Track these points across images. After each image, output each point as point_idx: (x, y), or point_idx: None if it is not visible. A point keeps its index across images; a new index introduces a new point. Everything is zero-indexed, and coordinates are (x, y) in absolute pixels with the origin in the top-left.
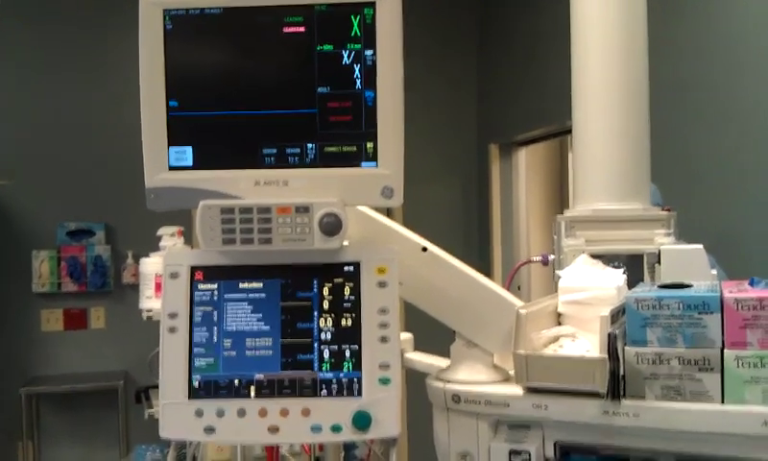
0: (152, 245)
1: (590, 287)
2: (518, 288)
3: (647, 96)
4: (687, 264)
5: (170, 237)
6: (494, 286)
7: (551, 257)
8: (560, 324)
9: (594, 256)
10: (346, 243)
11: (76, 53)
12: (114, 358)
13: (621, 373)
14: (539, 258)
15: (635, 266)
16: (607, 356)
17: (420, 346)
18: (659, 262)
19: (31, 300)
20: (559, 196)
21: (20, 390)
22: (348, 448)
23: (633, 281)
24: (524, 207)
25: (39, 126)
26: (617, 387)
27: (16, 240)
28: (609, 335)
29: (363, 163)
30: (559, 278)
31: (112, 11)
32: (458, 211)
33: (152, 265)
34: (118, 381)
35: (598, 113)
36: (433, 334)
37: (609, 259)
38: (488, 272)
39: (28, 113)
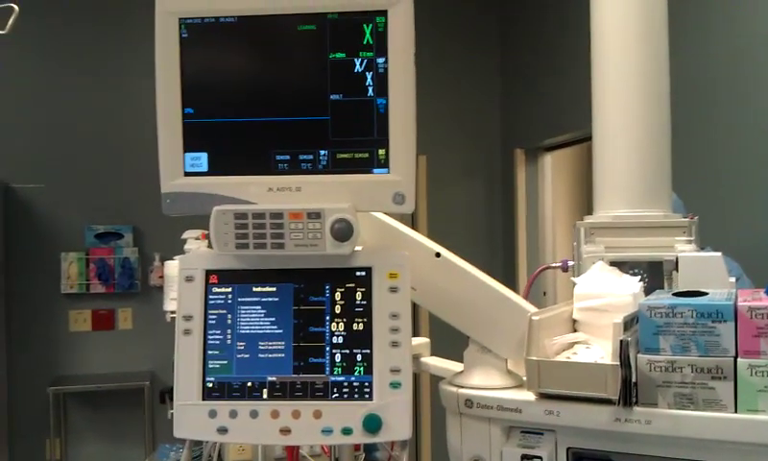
0: (178, 248)
1: (606, 294)
2: (544, 294)
3: (668, 101)
4: (705, 272)
5: (194, 241)
6: (508, 292)
7: (570, 263)
8: (575, 330)
9: (614, 264)
10: (358, 248)
11: (106, 55)
12: (141, 359)
13: (633, 380)
14: (558, 264)
15: (655, 273)
16: (619, 363)
17: (442, 351)
18: (676, 269)
19: (59, 300)
20: (585, 202)
21: (48, 389)
22: (370, 450)
23: (654, 289)
24: (550, 213)
25: (69, 129)
26: (629, 394)
27: (46, 242)
28: (621, 342)
29: (375, 170)
30: (575, 284)
31: (144, 8)
32: (483, 217)
33: (176, 268)
34: (144, 381)
35: (618, 119)
36: (455, 339)
37: (630, 266)
38: (513, 277)
39: (58, 117)
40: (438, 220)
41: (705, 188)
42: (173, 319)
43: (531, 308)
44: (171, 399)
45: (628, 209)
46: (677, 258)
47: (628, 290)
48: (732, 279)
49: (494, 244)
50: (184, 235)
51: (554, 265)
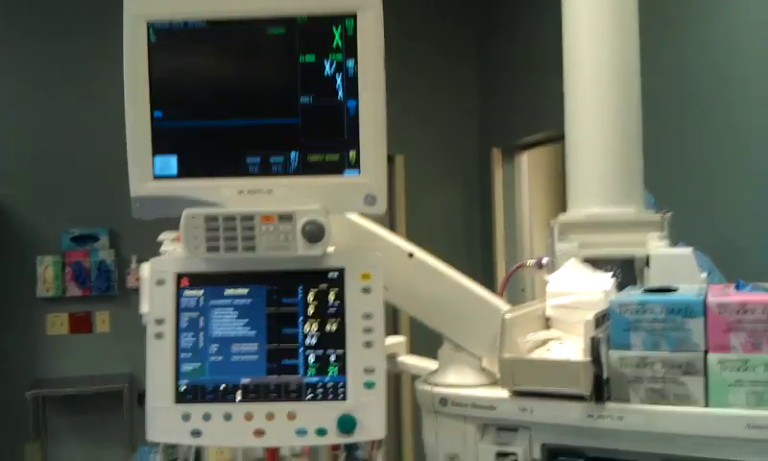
0: (155, 250)
1: (577, 291)
2: (522, 290)
3: (639, 99)
4: (676, 268)
5: (171, 243)
6: (481, 290)
7: (545, 261)
8: (548, 328)
9: (588, 261)
10: (331, 249)
11: (77, 58)
12: (119, 361)
13: (605, 376)
14: (533, 262)
15: (629, 270)
16: (590, 360)
17: (423, 350)
18: (648, 266)
19: (36, 304)
20: (561, 200)
21: (26, 393)
22: (350, 449)
23: (627, 286)
24: (527, 211)
25: (41, 132)
26: (601, 390)
27: (21, 246)
28: (591, 339)
29: (346, 171)
30: (548, 281)
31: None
32: (460, 216)
33: None
34: (123, 384)
35: (590, 117)
36: (435, 338)
37: (604, 263)
38: (491, 276)
39: (30, 120)
40: (416, 220)
41: (676, 184)
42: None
43: (504, 306)
44: None
45: (601, 207)
46: (648, 255)
47: (599, 287)
48: (704, 275)
49: (473, 242)
50: (160, 237)
51: (529, 263)
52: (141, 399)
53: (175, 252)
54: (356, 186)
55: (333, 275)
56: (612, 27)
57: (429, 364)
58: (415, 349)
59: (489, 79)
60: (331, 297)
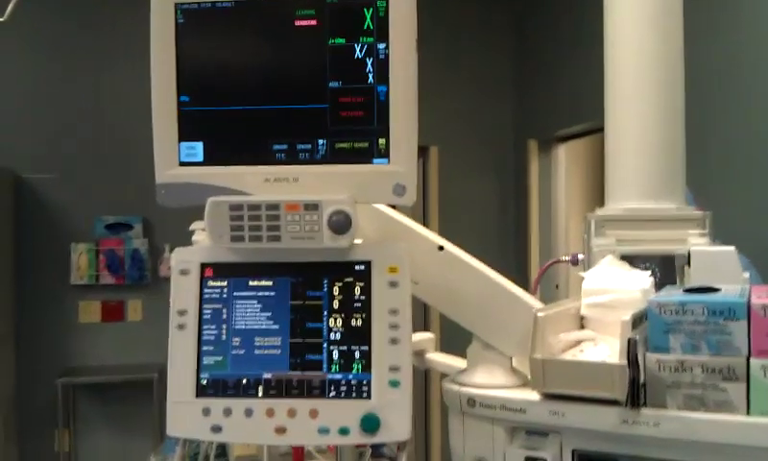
0: (187, 239)
1: (614, 289)
2: (556, 287)
3: (682, 91)
4: (718, 267)
5: (202, 232)
6: (513, 287)
7: (580, 257)
8: (583, 327)
9: (625, 258)
10: (358, 241)
11: (114, 45)
12: (150, 350)
13: (641, 380)
14: (568, 258)
15: (668, 268)
16: (626, 363)
17: (453, 347)
18: (688, 264)
19: (69, 292)
20: (599, 194)
21: (57, 380)
22: (377, 445)
23: (666, 284)
24: (563, 205)
25: (78, 118)
26: (637, 395)
27: (55, 233)
28: (629, 341)
29: (374, 160)
30: (583, 278)
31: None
32: (495, 209)
33: None
34: (153, 374)
35: (631, 109)
36: (466, 335)
37: (642, 260)
38: (525, 271)
39: (68, 108)
40: (449, 213)
41: (715, 180)
42: None
43: (536, 304)
44: None
45: (640, 202)
46: (689, 253)
47: (637, 285)
48: (746, 275)
49: (507, 237)
50: (192, 226)
51: (564, 259)
52: None
53: (204, 241)
54: (385, 175)
55: (360, 268)
56: (655, 14)
57: (458, 362)
58: (446, 346)
59: (525, 69)
60: (357, 291)
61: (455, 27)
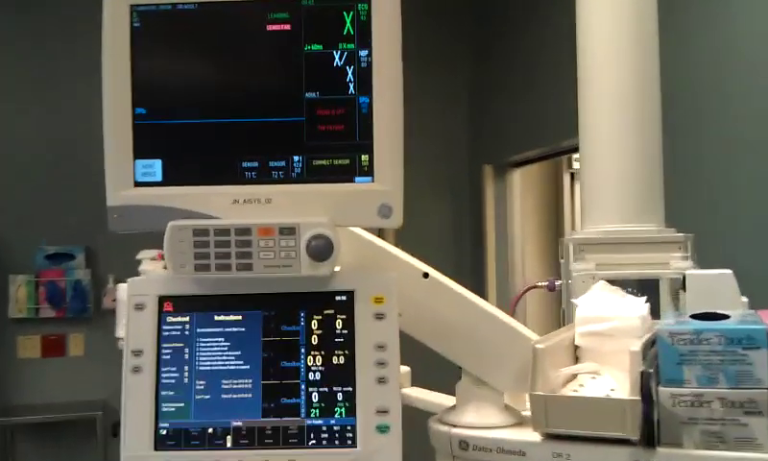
0: (133, 269)
1: (610, 317)
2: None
3: (659, 110)
4: (716, 291)
5: (150, 261)
6: (505, 317)
7: (558, 283)
8: (576, 358)
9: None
10: (337, 269)
11: (50, 65)
12: (93, 387)
13: (656, 417)
14: (545, 284)
15: (647, 292)
16: (639, 398)
17: (416, 380)
18: (683, 288)
19: (7, 326)
20: (554, 219)
21: None
22: None
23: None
24: (519, 230)
25: (15, 144)
26: (651, 433)
27: None
28: (642, 374)
29: (357, 179)
30: (573, 306)
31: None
32: (450, 234)
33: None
34: (97, 411)
35: (607, 128)
36: (431, 366)
37: (620, 285)
38: (482, 296)
39: (5, 132)
40: (404, 236)
41: (690, 207)
42: None
43: (532, 335)
44: None
45: (619, 224)
46: (683, 276)
47: (635, 312)
48: (745, 300)
49: (462, 261)
50: (139, 255)
51: (540, 284)
52: (116, 428)
53: (155, 272)
54: (369, 195)
55: (341, 298)
56: (630, 34)
57: (440, 399)
58: (417, 380)
59: (480, 93)
60: (339, 324)
61: (410, 50)
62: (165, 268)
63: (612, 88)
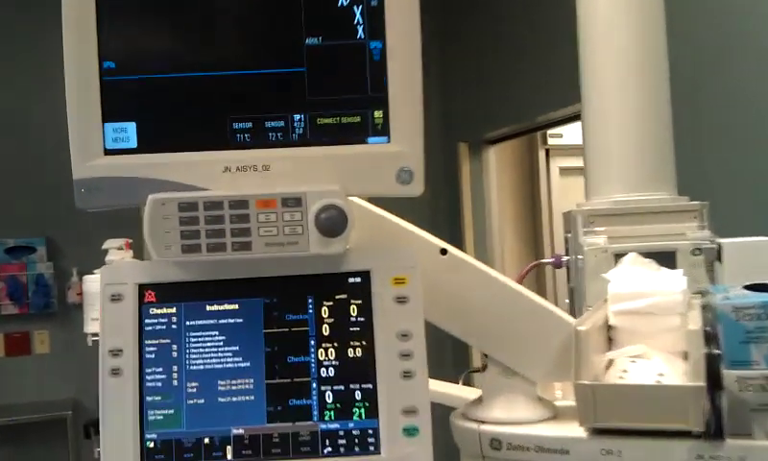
0: (98, 261)
1: (648, 292)
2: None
3: (667, 69)
4: (755, 260)
5: (117, 251)
6: (536, 297)
7: (565, 258)
8: (610, 339)
9: (618, 256)
10: (349, 247)
11: (7, 48)
12: (62, 385)
13: (724, 405)
14: (550, 260)
15: (664, 265)
16: (705, 384)
17: None
18: (719, 259)
19: None
20: (531, 196)
21: None
22: None
23: None
24: (497, 209)
25: None
26: (718, 424)
27: None
28: (707, 356)
29: (370, 139)
30: (592, 282)
31: None
32: (426, 214)
33: (97, 283)
34: (66, 411)
35: (612, 90)
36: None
37: None
38: None
39: None
40: None
41: (708, 168)
42: (95, 342)
43: (567, 316)
44: (97, 432)
45: (628, 193)
46: (719, 246)
47: (676, 286)
48: None
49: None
50: (105, 245)
51: (545, 261)
52: (87, 430)
53: (123, 261)
54: (385, 158)
55: (355, 280)
56: None
57: (456, 390)
58: None
59: (451, 70)
60: (354, 310)
61: None
62: (134, 257)
63: (617, 47)
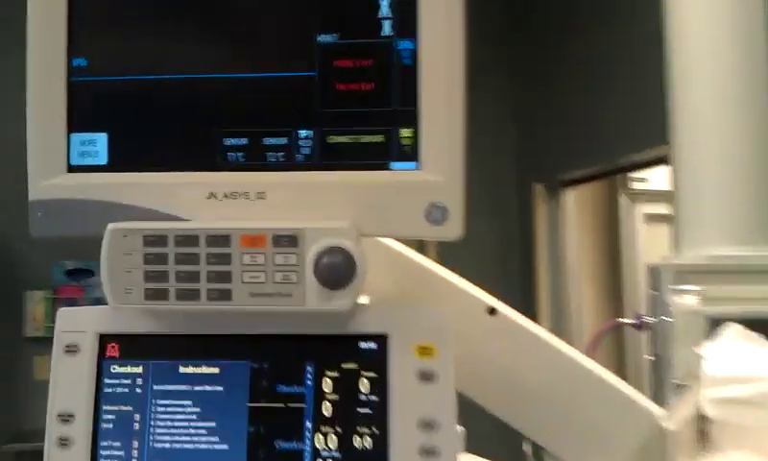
0: None
1: (756, 377)
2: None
3: None
4: None
5: None
6: (610, 376)
7: (648, 320)
8: (703, 433)
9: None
10: (363, 300)
11: None
12: None
13: None
14: (631, 321)
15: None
16: None
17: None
18: None
19: (23, 345)
20: (613, 243)
21: (4, 446)
22: None
23: None
24: (574, 256)
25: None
26: None
27: (8, 280)
28: None
29: (394, 164)
30: (679, 354)
31: None
32: (497, 261)
33: None
34: None
35: (709, 130)
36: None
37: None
38: None
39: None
40: (446, 262)
41: None
42: None
43: (651, 406)
44: None
45: (727, 247)
46: None
47: None
48: None
49: (511, 288)
50: None
51: (626, 321)
52: None
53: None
54: (412, 189)
55: (368, 345)
56: (734, 25)
57: None
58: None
59: (528, 107)
60: (365, 386)
61: None
62: None
63: (715, 83)
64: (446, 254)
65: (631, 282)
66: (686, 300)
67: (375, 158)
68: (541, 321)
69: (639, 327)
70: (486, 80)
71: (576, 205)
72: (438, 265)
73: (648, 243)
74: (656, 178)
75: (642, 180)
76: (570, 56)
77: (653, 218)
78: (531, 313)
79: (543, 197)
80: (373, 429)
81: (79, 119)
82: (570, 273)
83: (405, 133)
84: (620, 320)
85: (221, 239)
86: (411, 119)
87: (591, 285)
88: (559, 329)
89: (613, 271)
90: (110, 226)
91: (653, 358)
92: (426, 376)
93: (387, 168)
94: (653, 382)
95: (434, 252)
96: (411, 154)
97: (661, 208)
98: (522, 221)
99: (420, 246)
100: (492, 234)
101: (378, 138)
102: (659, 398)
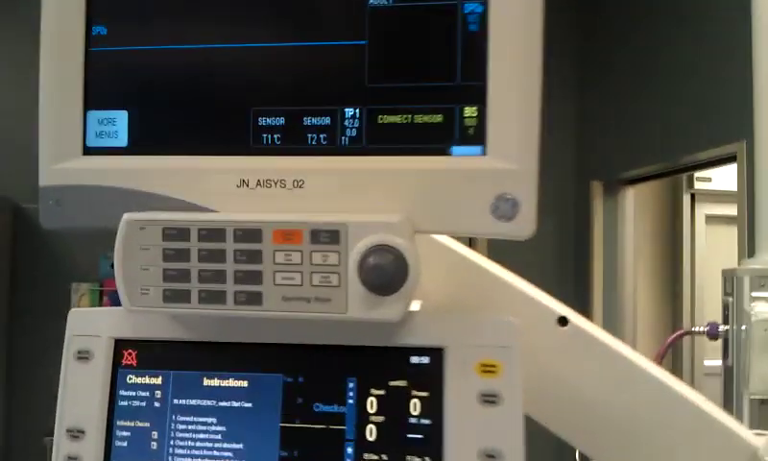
0: None
1: None
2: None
3: None
4: None
5: None
6: (705, 402)
7: (722, 328)
8: None
9: None
10: (415, 306)
11: None
12: None
13: None
14: (703, 329)
15: None
16: None
17: None
18: None
19: None
20: (671, 245)
21: (46, 438)
22: None
23: None
24: (631, 258)
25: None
26: None
27: (55, 272)
28: None
29: (455, 148)
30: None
31: None
32: (551, 260)
33: None
34: None
35: None
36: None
37: None
38: None
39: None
40: (498, 259)
41: None
42: None
43: (748, 435)
44: None
45: None
46: None
47: None
48: None
49: (564, 292)
50: None
51: (697, 330)
52: None
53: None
54: (477, 178)
55: (421, 360)
56: None
57: None
58: None
59: (587, 103)
60: (416, 407)
61: None
62: None
63: None
64: (496, 252)
65: (698, 287)
66: (766, 307)
67: (433, 142)
68: (594, 321)
69: (714, 336)
70: (548, 80)
71: (635, 204)
72: (497, 265)
73: (710, 245)
74: (720, 178)
75: (706, 179)
76: (635, 51)
77: (715, 219)
78: (584, 313)
79: (601, 195)
80: (425, 459)
81: (97, 95)
82: (627, 274)
83: (469, 111)
84: (692, 329)
85: (251, 234)
86: (477, 96)
87: (649, 287)
88: (612, 334)
89: (673, 274)
90: (126, 216)
91: (725, 369)
92: (489, 399)
93: (447, 153)
94: (724, 395)
95: (483, 249)
96: (476, 136)
97: (725, 210)
98: (578, 219)
99: (469, 242)
100: (546, 232)
101: (437, 118)
102: (729, 411)
